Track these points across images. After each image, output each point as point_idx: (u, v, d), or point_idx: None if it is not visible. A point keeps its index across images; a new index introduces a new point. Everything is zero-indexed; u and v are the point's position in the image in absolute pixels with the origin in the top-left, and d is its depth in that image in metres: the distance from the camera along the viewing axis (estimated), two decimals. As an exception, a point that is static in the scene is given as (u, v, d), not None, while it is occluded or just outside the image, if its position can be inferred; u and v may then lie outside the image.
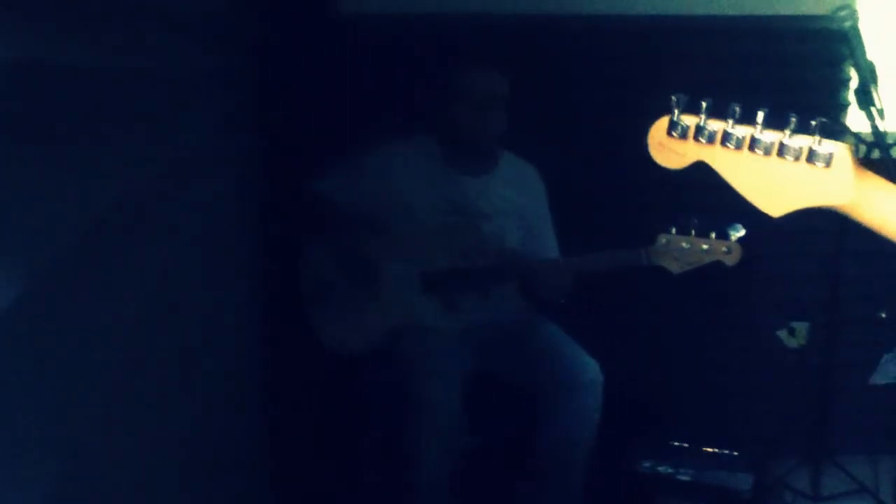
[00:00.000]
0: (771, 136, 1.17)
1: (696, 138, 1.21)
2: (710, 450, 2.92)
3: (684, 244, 2.55)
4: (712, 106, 1.20)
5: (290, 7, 2.56)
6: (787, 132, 1.16)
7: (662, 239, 2.56)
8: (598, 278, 2.63)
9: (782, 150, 1.16)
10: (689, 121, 1.21)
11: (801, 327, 3.21)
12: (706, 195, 2.97)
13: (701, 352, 3.25)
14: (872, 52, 2.48)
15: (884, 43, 2.86)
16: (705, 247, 2.53)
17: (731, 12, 3.01)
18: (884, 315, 3.11)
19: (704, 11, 3.02)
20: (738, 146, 1.18)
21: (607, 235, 2.58)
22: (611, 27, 3.02)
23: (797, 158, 1.16)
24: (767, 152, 1.17)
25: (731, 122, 1.19)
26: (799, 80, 3.00)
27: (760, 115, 1.17)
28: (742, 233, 2.49)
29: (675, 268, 2.57)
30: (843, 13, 2.44)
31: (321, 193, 2.68)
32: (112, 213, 1.49)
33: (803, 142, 1.16)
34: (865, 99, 2.45)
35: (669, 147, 1.23)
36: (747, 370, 3.29)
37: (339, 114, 2.83)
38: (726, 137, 1.19)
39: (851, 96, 2.57)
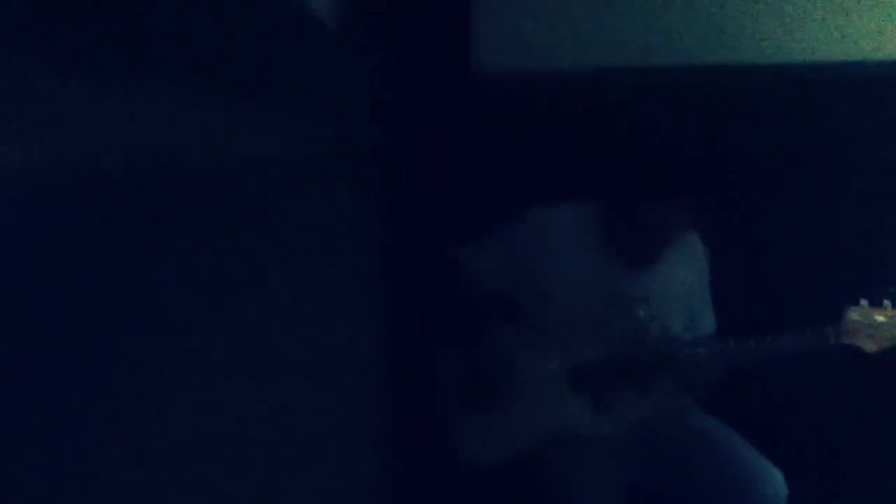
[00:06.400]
0: None
1: None
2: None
3: (880, 317, 2.21)
4: None
5: (422, 66, 2.35)
6: None
7: (853, 314, 2.21)
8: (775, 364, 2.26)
9: None
10: None
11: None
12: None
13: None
14: None
15: None
16: None
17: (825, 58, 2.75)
18: None
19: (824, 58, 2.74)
20: None
21: (779, 310, 2.24)
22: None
23: None
24: None
25: None
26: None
27: None
28: None
29: (871, 347, 2.21)
30: None
31: (462, 263, 2.34)
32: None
33: None
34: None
35: None
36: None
37: (478, 178, 2.53)
38: None
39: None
